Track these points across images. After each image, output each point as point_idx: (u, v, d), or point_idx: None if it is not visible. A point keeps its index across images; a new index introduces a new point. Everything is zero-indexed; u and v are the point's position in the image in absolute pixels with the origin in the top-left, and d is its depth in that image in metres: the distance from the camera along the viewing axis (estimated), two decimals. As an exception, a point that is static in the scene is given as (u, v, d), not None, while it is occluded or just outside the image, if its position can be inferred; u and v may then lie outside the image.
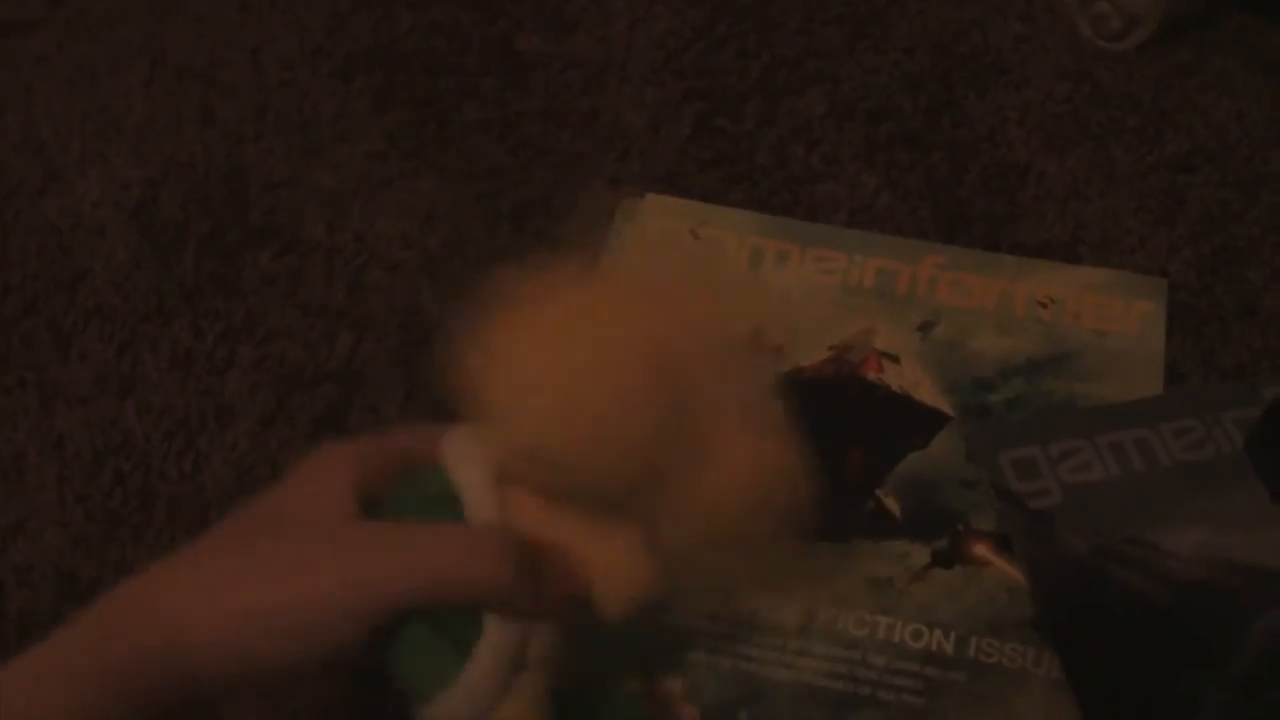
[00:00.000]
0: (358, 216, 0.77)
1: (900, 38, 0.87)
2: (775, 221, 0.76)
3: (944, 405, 0.67)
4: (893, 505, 0.63)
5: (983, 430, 0.66)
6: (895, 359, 0.69)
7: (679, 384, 0.41)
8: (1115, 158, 0.79)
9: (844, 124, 0.82)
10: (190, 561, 0.45)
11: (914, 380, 0.68)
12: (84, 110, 0.84)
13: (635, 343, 0.42)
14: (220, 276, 0.74)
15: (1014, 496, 0.62)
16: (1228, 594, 0.59)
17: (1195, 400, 0.66)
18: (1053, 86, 0.83)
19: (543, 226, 0.76)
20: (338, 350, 0.71)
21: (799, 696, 0.57)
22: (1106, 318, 0.71)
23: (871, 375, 0.68)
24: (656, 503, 0.43)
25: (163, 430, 0.68)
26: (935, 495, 0.64)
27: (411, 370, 0.70)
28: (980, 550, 0.62)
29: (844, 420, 0.67)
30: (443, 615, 0.42)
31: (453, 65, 0.86)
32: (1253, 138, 0.81)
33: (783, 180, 0.79)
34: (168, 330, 0.72)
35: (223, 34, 0.88)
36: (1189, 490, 0.63)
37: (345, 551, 0.43)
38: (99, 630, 0.42)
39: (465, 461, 0.44)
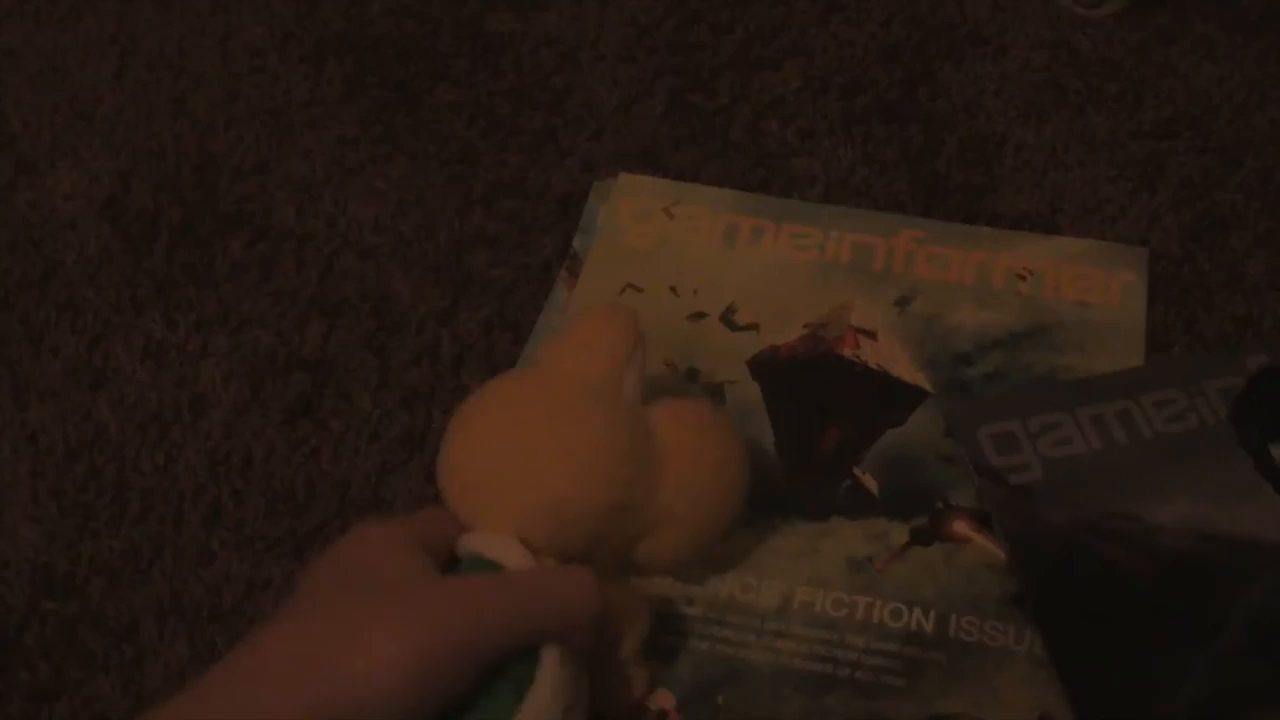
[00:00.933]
0: (329, 202, 0.76)
1: (875, 8, 0.86)
2: (750, 198, 0.75)
3: (922, 381, 0.66)
4: (871, 483, 0.63)
5: (961, 405, 0.65)
6: (872, 335, 0.68)
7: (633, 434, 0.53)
8: (1094, 126, 0.78)
9: (819, 98, 0.81)
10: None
11: (891, 356, 0.67)
12: (53, 102, 0.83)
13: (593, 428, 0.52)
14: (192, 266, 0.74)
15: (994, 472, 0.62)
16: (1212, 567, 0.58)
17: (1178, 371, 0.66)
18: (1030, 55, 0.82)
19: (515, 208, 0.76)
20: (310, 338, 0.70)
21: (777, 679, 0.56)
22: (1087, 288, 0.70)
23: (848, 352, 0.67)
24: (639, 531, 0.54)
25: (136, 422, 0.67)
26: (914, 472, 0.63)
27: (385, 357, 0.69)
28: (960, 527, 0.61)
29: (820, 398, 0.66)
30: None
31: (424, 48, 0.85)
32: (1235, 102, 0.80)
33: (758, 156, 0.78)
34: (140, 321, 0.71)
35: (192, 22, 0.88)
36: (1172, 462, 0.62)
37: (459, 600, 0.44)
38: None
39: (495, 538, 0.50)
